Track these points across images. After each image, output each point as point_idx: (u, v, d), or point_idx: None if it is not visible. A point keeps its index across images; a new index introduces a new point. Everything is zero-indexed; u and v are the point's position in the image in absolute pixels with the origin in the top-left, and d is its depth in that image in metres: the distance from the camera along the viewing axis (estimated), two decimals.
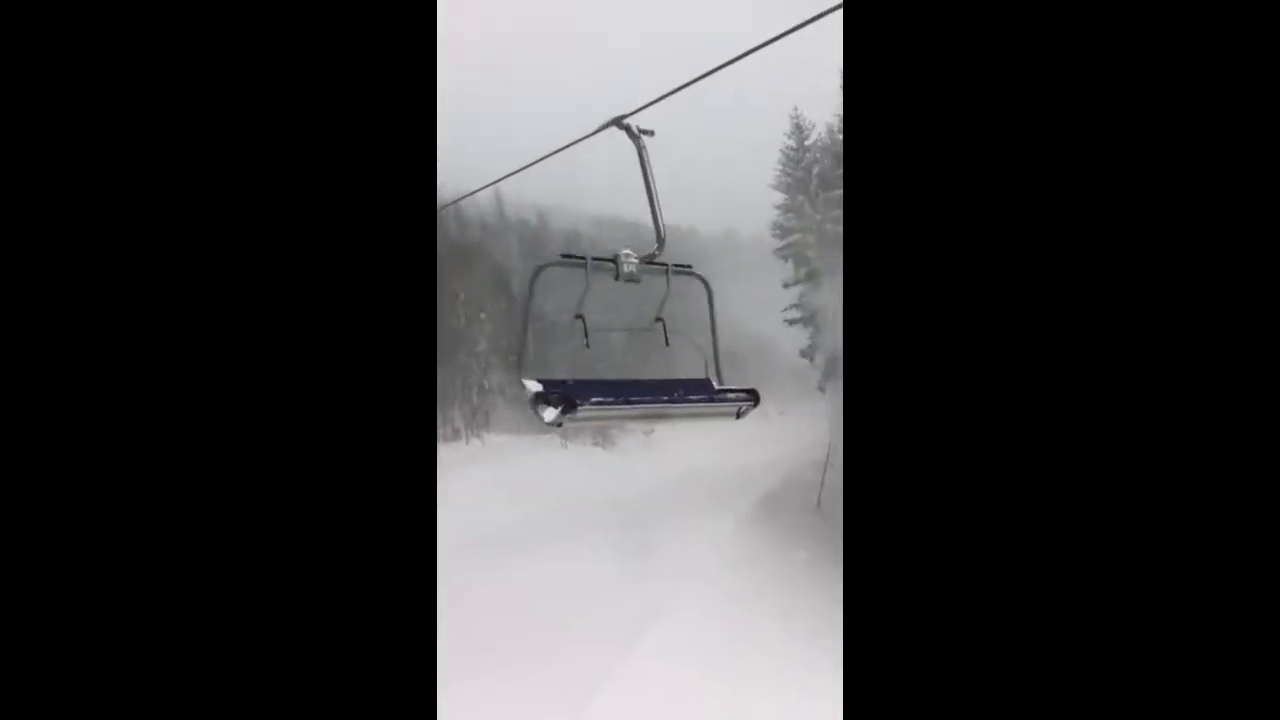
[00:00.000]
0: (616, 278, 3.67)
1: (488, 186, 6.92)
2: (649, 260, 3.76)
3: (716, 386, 3.84)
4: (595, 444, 38.25)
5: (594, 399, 3.29)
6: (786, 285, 28.60)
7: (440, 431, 31.73)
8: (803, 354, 27.59)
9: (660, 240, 3.77)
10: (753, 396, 3.70)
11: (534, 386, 3.37)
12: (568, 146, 4.51)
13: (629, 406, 3.56)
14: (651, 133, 3.82)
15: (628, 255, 3.68)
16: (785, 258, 29.14)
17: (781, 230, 29.75)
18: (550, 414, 3.20)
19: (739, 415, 3.74)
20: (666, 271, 3.75)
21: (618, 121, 3.79)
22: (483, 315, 35.98)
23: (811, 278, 27.37)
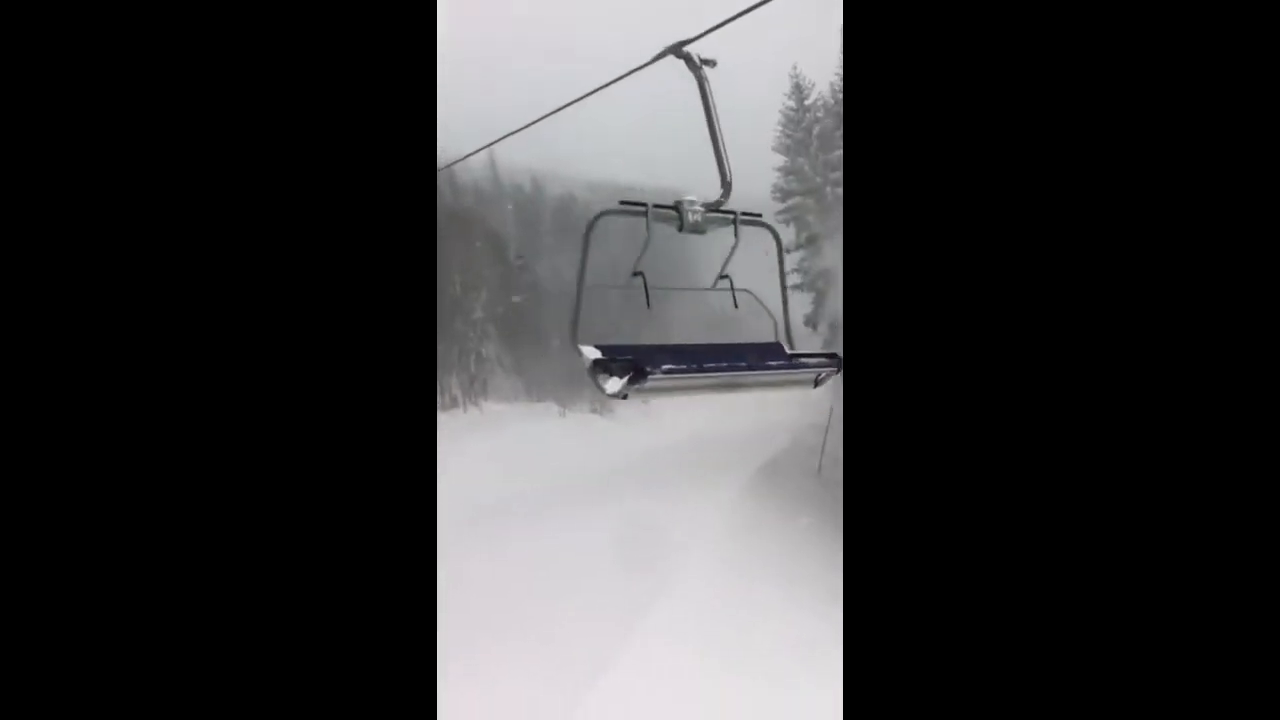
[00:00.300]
0: (680, 228, 3.22)
1: (482, 150, 6.68)
2: (715, 208, 3.30)
3: (789, 351, 3.48)
4: (594, 411, 38.20)
5: (665, 366, 2.90)
6: (788, 250, 28.15)
7: (438, 400, 31.59)
8: (806, 321, 27.30)
9: (726, 185, 3.30)
10: (835, 362, 3.30)
11: (592, 353, 2.99)
12: (579, 99, 4.22)
13: (702, 375, 3.09)
14: (714, 62, 3.38)
15: (692, 202, 3.23)
16: (786, 222, 28.70)
17: (782, 193, 29.27)
18: (614, 384, 2.85)
19: (817, 383, 3.38)
20: (735, 220, 3.29)
21: (676, 50, 3.34)
22: (479, 283, 35.62)
23: (812, 242, 27.00)
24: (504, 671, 9.70)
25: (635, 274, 3.27)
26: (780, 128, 29.25)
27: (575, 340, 3.13)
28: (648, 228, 3.13)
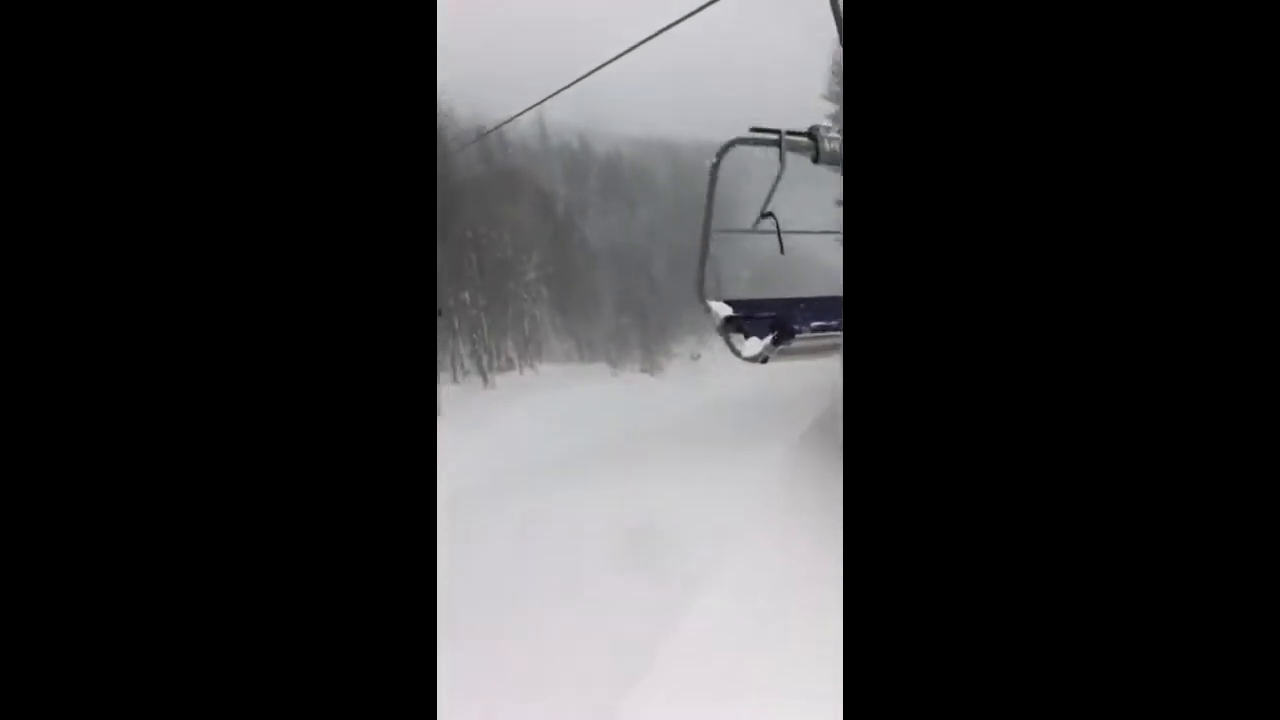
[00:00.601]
0: (816, 159, 2.89)
1: (529, 109, 6.64)
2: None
3: None
4: (644, 370, 38.32)
5: (814, 323, 2.64)
6: (838, 203, 27.57)
7: (494, 363, 32.04)
8: None
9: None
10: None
11: (722, 310, 2.73)
12: (620, 56, 4.20)
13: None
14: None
15: (828, 129, 2.89)
16: (835, 172, 27.95)
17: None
18: (754, 346, 2.60)
19: None
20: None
21: None
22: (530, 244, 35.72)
23: None
24: (559, 634, 9.93)
25: (765, 215, 2.89)
26: (833, 74, 28.44)
27: (702, 294, 2.85)
28: (781, 159, 2.80)
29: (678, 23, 3.65)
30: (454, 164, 32.06)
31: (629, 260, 42.74)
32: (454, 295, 29.50)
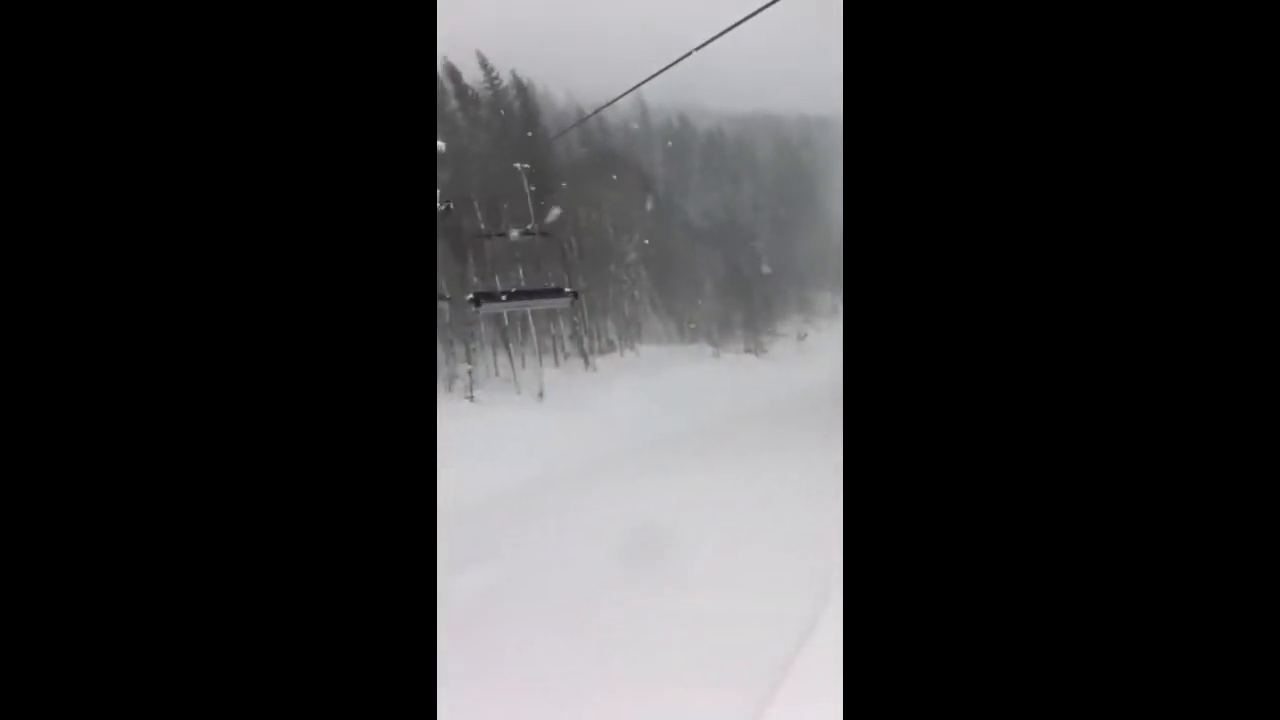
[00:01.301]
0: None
1: (629, 92, 6.83)
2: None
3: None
4: (748, 351, 37.77)
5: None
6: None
7: (594, 344, 32.29)
8: None
9: None
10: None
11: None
12: (720, 35, 4.23)
13: None
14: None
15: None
16: None
17: None
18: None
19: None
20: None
21: None
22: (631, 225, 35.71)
23: None
24: (659, 592, 9.82)
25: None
26: None
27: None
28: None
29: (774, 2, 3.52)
30: (552, 149, 32.33)
31: (732, 238, 42.15)
32: (554, 279, 29.86)
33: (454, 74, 32.10)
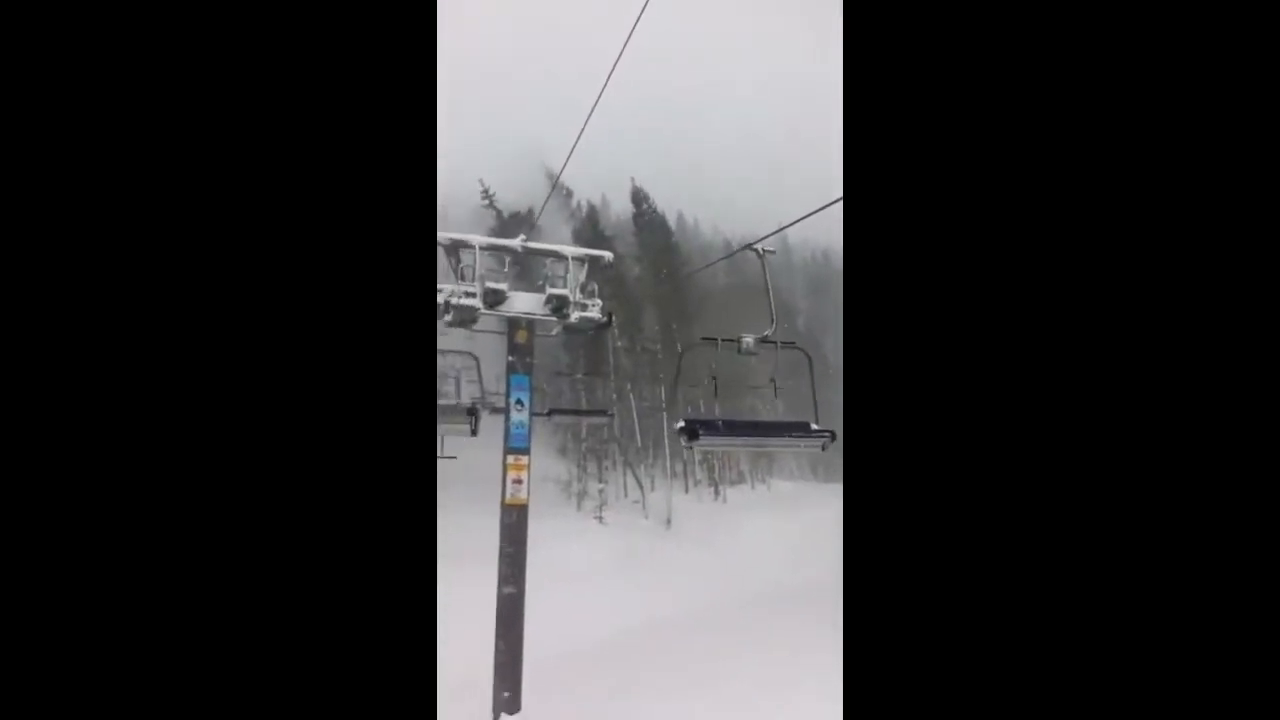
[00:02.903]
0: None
1: (775, 233, 7.37)
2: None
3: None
4: None
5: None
6: None
7: (725, 475, 31.60)
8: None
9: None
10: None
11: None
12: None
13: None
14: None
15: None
16: None
17: None
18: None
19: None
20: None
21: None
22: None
23: None
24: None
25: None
26: None
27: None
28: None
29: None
30: (697, 279, 33.05)
31: None
32: (690, 403, 29.81)
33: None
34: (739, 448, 7.54)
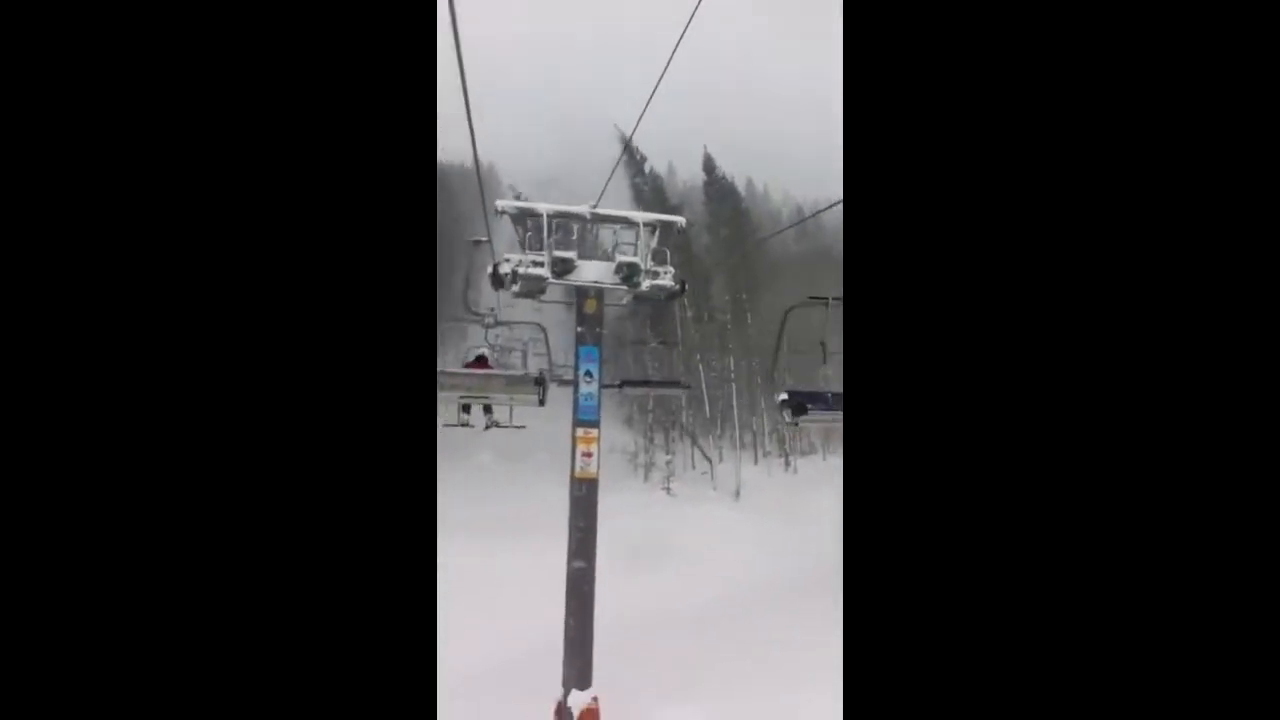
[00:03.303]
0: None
1: (789, 227, 7.13)
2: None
3: None
4: None
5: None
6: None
7: (796, 445, 31.09)
8: None
9: None
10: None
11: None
12: None
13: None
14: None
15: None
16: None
17: None
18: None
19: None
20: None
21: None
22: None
23: None
24: None
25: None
26: None
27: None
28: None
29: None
30: (767, 247, 32.35)
31: None
32: (761, 372, 29.35)
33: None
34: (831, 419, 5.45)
